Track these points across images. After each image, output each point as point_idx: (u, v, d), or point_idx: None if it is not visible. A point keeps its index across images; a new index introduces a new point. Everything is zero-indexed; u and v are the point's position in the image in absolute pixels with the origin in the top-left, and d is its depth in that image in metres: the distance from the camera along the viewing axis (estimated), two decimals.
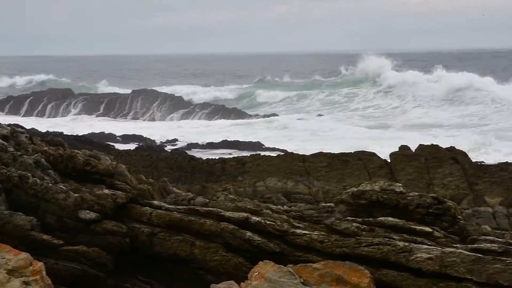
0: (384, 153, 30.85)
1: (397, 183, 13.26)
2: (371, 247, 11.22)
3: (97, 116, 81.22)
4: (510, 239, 12.23)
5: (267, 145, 50.10)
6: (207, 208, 12.91)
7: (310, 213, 13.32)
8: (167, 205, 13.34)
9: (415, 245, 11.02)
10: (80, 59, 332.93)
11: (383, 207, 12.26)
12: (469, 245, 11.12)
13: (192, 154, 39.66)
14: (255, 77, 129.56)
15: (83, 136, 49.92)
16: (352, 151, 30.36)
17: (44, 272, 8.09)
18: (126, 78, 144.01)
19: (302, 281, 8.11)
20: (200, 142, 52.73)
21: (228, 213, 12.59)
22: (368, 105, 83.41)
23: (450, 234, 11.75)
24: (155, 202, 13.57)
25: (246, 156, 33.63)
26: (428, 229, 11.51)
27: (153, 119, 78.28)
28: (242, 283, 8.13)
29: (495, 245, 10.96)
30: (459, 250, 10.78)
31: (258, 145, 49.54)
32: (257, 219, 12.30)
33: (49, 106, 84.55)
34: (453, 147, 29.70)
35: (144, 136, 56.14)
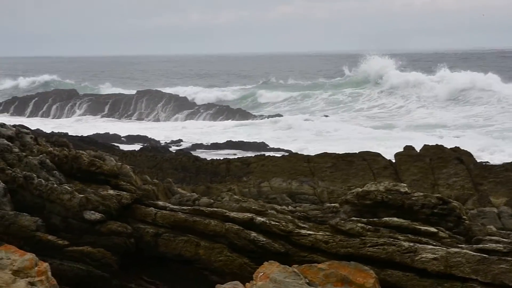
0: (389, 154, 30.80)
1: (402, 184, 13.24)
2: (376, 247, 11.22)
3: (102, 116, 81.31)
4: None
5: (271, 145, 50.09)
6: (212, 209, 12.91)
7: (315, 214, 13.31)
8: (172, 206, 13.35)
9: (420, 245, 11.01)
10: (82, 59, 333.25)
11: (388, 207, 12.25)
12: (474, 246, 11.10)
13: (196, 154, 39.66)
14: (259, 78, 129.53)
15: (88, 136, 49.96)
16: (357, 152, 30.34)
17: (49, 273, 8.11)
18: (131, 79, 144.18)
19: (307, 281, 8.11)
20: (204, 143, 52.72)
21: (233, 214, 12.59)
22: (373, 105, 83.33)
23: (455, 234, 11.74)
24: (160, 203, 13.58)
25: (251, 156, 33.63)
26: (433, 229, 11.49)
27: (157, 120, 78.33)
28: (247, 283, 8.13)
29: (500, 245, 10.95)
30: (464, 251, 10.77)
31: (262, 146, 49.54)
32: (262, 219, 12.31)
33: (54, 107, 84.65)
34: (458, 147, 29.67)
35: (149, 137, 56.16)
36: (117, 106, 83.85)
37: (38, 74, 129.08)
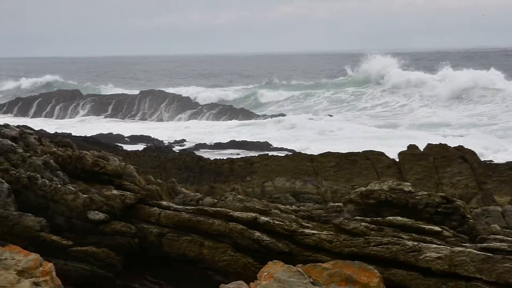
0: (392, 153, 30.77)
1: (406, 183, 13.24)
2: (380, 246, 11.21)
3: (105, 117, 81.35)
4: None
5: (275, 145, 50.07)
6: (215, 208, 12.92)
7: (318, 213, 13.31)
8: (175, 206, 13.36)
9: (424, 244, 11.01)
10: (83, 60, 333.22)
11: (391, 206, 12.24)
12: (478, 244, 11.09)
13: (200, 154, 39.65)
14: (261, 78, 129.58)
15: (91, 137, 49.99)
16: (360, 151, 30.30)
17: (54, 273, 8.12)
18: (133, 79, 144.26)
19: (312, 281, 8.11)
20: (208, 143, 52.73)
21: (236, 213, 12.59)
22: (376, 104, 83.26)
23: (459, 233, 11.72)
24: (164, 203, 13.59)
25: (254, 156, 33.58)
26: (437, 228, 11.48)
27: (161, 120, 78.36)
28: (251, 283, 8.14)
29: (505, 244, 10.94)
30: (469, 249, 10.76)
31: (266, 145, 49.52)
32: (266, 219, 12.31)
33: (58, 107, 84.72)
34: (462, 146, 29.62)
35: (152, 137, 56.16)
36: (120, 106, 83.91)
37: (40, 75, 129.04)
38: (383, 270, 10.55)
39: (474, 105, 75.66)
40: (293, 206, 14.53)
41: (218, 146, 50.59)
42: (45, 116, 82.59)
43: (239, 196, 14.04)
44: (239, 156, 37.83)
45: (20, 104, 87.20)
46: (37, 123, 62.83)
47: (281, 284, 7.95)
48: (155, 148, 43.55)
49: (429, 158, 27.98)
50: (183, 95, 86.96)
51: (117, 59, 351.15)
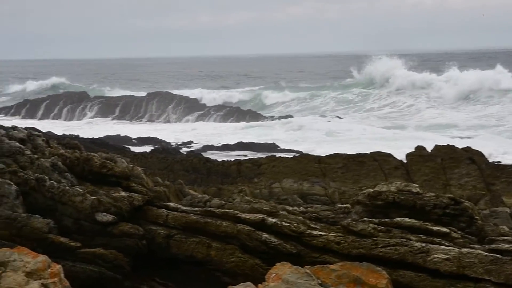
0: (400, 154, 30.72)
1: (414, 184, 13.21)
2: (388, 248, 11.19)
3: (113, 119, 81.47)
4: None
5: (282, 146, 50.08)
6: (223, 210, 12.92)
7: (326, 214, 13.30)
8: (183, 207, 13.37)
9: (432, 245, 10.98)
10: (89, 62, 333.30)
11: (399, 208, 12.21)
12: (487, 246, 11.06)
13: (207, 156, 39.67)
14: (269, 79, 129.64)
15: (99, 139, 50.03)
16: (368, 152, 30.27)
17: (62, 275, 8.13)
18: (140, 81, 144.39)
19: (320, 282, 8.10)
20: (215, 144, 52.74)
21: (244, 215, 12.59)
22: (383, 105, 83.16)
23: (468, 234, 11.70)
24: (171, 204, 13.60)
25: (262, 157, 33.60)
26: (445, 229, 11.46)
27: (168, 122, 78.43)
28: (259, 284, 8.12)
29: None
30: (477, 251, 10.73)
31: (273, 147, 49.52)
32: (273, 220, 12.30)
33: (65, 109, 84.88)
34: (469, 147, 29.57)
35: (160, 139, 56.23)
36: (127, 108, 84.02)
37: (46, 77, 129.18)
38: (391, 271, 10.53)
39: (482, 106, 75.49)
40: (301, 208, 14.52)
41: (226, 147, 50.62)
42: (53, 118, 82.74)
43: (246, 197, 14.04)
44: (247, 158, 37.82)
45: (28, 106, 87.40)
46: (45, 125, 62.92)
47: (289, 286, 7.94)
48: (163, 150, 43.60)
49: (437, 159, 27.93)
50: (190, 97, 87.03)
51: (123, 61, 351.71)
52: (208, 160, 33.61)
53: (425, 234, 11.35)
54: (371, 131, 60.51)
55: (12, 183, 12.97)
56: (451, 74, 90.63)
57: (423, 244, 11.01)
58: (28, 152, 14.19)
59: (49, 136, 26.35)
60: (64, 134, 51.15)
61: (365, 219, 12.00)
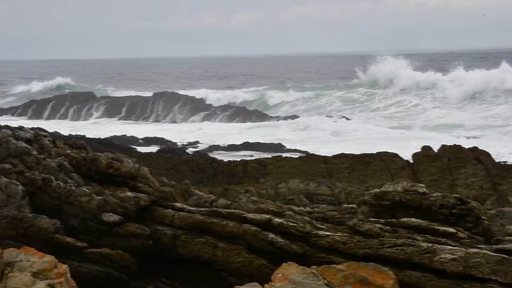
0: (406, 154, 30.66)
1: (420, 184, 13.19)
2: (394, 248, 11.18)
3: (119, 119, 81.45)
4: None
5: (288, 146, 50.01)
6: (229, 210, 12.92)
7: (332, 214, 13.29)
8: (189, 207, 13.37)
9: (438, 246, 10.97)
10: (94, 62, 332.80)
11: (406, 208, 12.20)
12: (493, 246, 11.05)
13: (213, 156, 39.64)
14: (274, 79, 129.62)
15: (105, 139, 50.02)
16: (374, 152, 30.21)
17: (68, 275, 8.14)
18: (147, 81, 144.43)
19: (326, 282, 8.09)
20: (221, 144, 52.69)
21: (250, 215, 12.59)
22: (389, 105, 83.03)
23: (474, 234, 11.67)
24: (178, 204, 13.60)
25: (268, 157, 33.55)
26: (451, 229, 11.44)
27: (174, 122, 78.41)
28: (265, 284, 8.12)
29: None
30: (484, 251, 10.71)
31: (279, 147, 49.44)
32: (280, 220, 12.30)
33: (71, 109, 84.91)
34: (476, 147, 29.50)
35: (166, 139, 56.21)
36: (134, 108, 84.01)
37: (51, 77, 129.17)
38: (398, 271, 10.52)
39: (488, 106, 75.30)
40: (307, 208, 14.52)
41: (232, 148, 50.57)
42: (59, 118, 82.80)
43: (252, 197, 14.03)
44: (253, 158, 37.78)
45: (34, 106, 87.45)
46: (51, 125, 62.96)
47: (296, 286, 7.93)
48: (169, 150, 43.57)
49: (443, 159, 27.87)
50: (196, 97, 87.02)
51: (128, 61, 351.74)
52: (214, 160, 33.58)
53: (431, 234, 11.34)
54: (377, 131, 60.40)
55: (18, 183, 13.01)
56: (457, 74, 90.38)
57: (430, 244, 10.99)
58: (35, 152, 14.22)
59: (55, 136, 26.38)
60: (70, 134, 51.16)
61: (371, 219, 11.99)
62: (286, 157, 32.97)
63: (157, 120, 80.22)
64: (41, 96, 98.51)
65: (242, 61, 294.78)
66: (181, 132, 63.99)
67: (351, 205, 13.81)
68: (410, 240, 11.21)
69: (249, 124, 69.48)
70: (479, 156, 28.00)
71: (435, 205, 11.98)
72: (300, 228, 12.06)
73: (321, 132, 60.28)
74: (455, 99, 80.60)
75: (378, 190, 12.72)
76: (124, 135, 57.76)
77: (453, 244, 11.07)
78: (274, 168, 29.82)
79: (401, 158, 29.22)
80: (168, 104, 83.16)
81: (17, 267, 8.07)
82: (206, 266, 12.51)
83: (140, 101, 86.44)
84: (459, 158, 27.78)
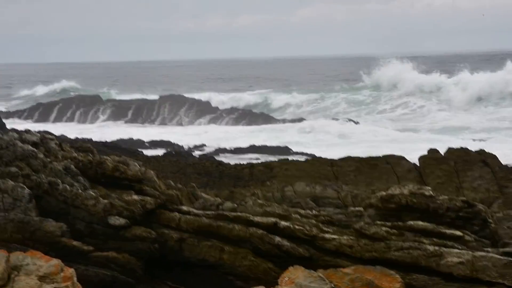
0: (413, 157, 30.59)
1: (427, 187, 13.17)
2: (401, 251, 11.16)
3: (125, 122, 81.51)
4: None
5: (294, 149, 49.95)
6: (235, 213, 12.91)
7: (339, 218, 13.28)
8: (195, 211, 13.37)
9: (445, 249, 10.94)
10: (99, 65, 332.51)
11: (412, 211, 12.17)
12: (500, 249, 11.02)
13: (220, 159, 39.65)
14: (279, 82, 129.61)
15: (111, 142, 50.10)
16: (381, 155, 30.15)
17: (75, 278, 8.14)
18: (153, 84, 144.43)
19: (333, 286, 8.08)
20: (227, 147, 52.67)
21: (256, 218, 12.58)
22: (395, 107, 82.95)
23: (481, 238, 11.65)
24: (184, 208, 13.60)
25: (274, 160, 33.52)
26: (458, 233, 11.41)
27: (180, 125, 78.44)
28: None
29: None
30: (491, 254, 10.68)
31: (285, 150, 49.39)
32: (286, 224, 12.29)
33: (78, 112, 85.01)
34: (483, 150, 29.40)
35: (172, 142, 56.21)
36: (140, 112, 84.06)
37: (57, 80, 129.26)
38: (404, 275, 10.49)
39: (494, 108, 75.17)
40: (313, 211, 14.49)
41: (238, 150, 50.53)
42: (66, 121, 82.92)
43: (259, 201, 14.02)
44: (259, 161, 37.79)
45: (41, 109, 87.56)
46: (57, 129, 63.05)
47: None
48: (175, 153, 43.57)
49: (450, 162, 27.79)
50: (203, 100, 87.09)
51: (134, 63, 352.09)
52: (220, 163, 33.57)
53: (438, 238, 11.31)
54: (383, 133, 60.36)
55: (25, 186, 13.02)
56: (462, 77, 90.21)
57: (436, 248, 10.96)
58: (41, 156, 14.22)
59: (62, 139, 26.41)
60: (77, 137, 51.17)
61: (377, 222, 11.97)
62: (293, 160, 32.95)
63: (163, 123, 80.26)
64: (47, 99, 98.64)
65: (247, 63, 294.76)
66: (187, 135, 63.98)
67: (357, 208, 13.81)
68: (417, 243, 11.19)
69: (255, 127, 69.47)
70: (486, 159, 27.90)
71: (441, 208, 11.96)
72: (306, 232, 12.05)
73: (328, 135, 60.27)
74: (460, 102, 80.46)
75: (384, 193, 12.70)
76: (131, 138, 57.78)
77: (460, 247, 11.04)
78: (281, 171, 29.77)
79: (407, 161, 29.13)
80: (174, 107, 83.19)
81: (24, 270, 8.07)
82: (212, 270, 12.50)
83: (146, 104, 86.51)
84: (466, 161, 27.68)
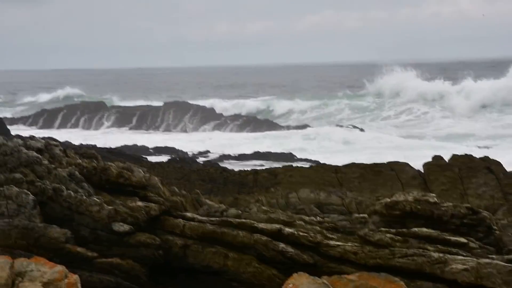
0: (417, 164, 30.57)
1: (431, 194, 13.16)
2: (406, 258, 11.14)
3: (130, 128, 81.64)
4: None
5: (299, 156, 49.97)
6: (240, 220, 12.90)
7: (343, 224, 13.27)
8: (200, 217, 13.36)
9: (450, 256, 10.92)
10: (102, 72, 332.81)
11: (417, 217, 12.16)
12: (505, 256, 10.99)
13: (224, 165, 39.68)
14: (285, 88, 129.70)
15: (116, 148, 50.16)
16: (385, 161, 30.13)
17: (79, 285, 8.14)
18: (157, 91, 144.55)
19: None
20: (232, 154, 52.71)
21: (261, 225, 12.57)
22: (399, 113, 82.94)
23: (486, 245, 11.62)
24: (188, 214, 13.59)
25: (278, 167, 33.52)
26: (463, 239, 11.39)
27: (185, 131, 78.52)
28: None
29: None
30: (495, 261, 10.66)
31: (290, 156, 49.42)
32: (290, 230, 12.28)
33: (82, 119, 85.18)
34: (487, 157, 29.36)
35: (177, 148, 56.27)
36: (144, 118, 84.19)
37: (60, 86, 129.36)
38: (409, 282, 10.47)
39: (498, 115, 75.13)
40: (318, 218, 14.48)
41: (242, 157, 50.58)
42: (70, 128, 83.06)
43: (263, 207, 14.03)
44: (263, 167, 37.80)
45: (45, 116, 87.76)
46: (62, 135, 63.15)
47: None
48: (180, 160, 43.60)
49: (454, 169, 27.76)
50: (208, 106, 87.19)
51: (139, 70, 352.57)
52: (224, 169, 33.57)
53: (442, 244, 11.29)
54: (387, 140, 60.37)
55: (29, 193, 13.03)
56: (466, 84, 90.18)
57: (441, 255, 10.94)
58: (46, 162, 14.24)
59: (66, 145, 26.45)
60: (81, 143, 51.27)
61: (382, 229, 11.95)
62: (297, 166, 32.91)
63: (167, 130, 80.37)
64: (51, 106, 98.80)
65: (254, 70, 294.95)
66: (192, 142, 64.04)
67: (362, 215, 13.79)
68: (421, 250, 11.17)
69: (259, 133, 69.51)
70: (490, 166, 27.87)
71: (446, 215, 11.94)
72: (310, 238, 12.04)
73: (332, 142, 60.30)
74: (464, 109, 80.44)
75: (389, 200, 12.69)
76: (135, 145, 57.87)
77: (464, 254, 11.02)
78: (285, 178, 29.76)
79: (412, 167, 29.11)
80: (179, 113, 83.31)
81: (28, 277, 8.08)
82: (217, 276, 12.49)
83: (151, 110, 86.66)
84: (470, 168, 27.65)
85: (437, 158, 29.00)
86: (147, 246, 12.70)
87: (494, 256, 11.03)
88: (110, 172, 14.27)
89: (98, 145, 50.76)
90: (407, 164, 29.42)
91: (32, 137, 15.99)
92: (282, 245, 12.08)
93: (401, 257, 11.18)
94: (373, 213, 12.79)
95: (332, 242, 11.92)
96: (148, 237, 12.79)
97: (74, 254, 12.48)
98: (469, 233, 11.79)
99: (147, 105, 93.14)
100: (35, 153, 14.32)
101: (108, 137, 71.69)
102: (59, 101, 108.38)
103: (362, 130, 71.46)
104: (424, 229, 11.62)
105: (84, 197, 13.19)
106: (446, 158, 28.93)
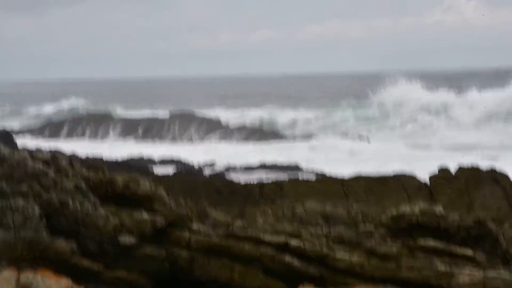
0: (423, 175, 30.54)
1: (437, 205, 13.13)
2: (412, 270, 11.12)
3: (136, 139, 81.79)
4: None
5: (305, 167, 49.99)
6: (245, 232, 12.90)
7: (349, 236, 13.25)
8: (206, 229, 13.36)
9: (456, 268, 10.90)
10: (106, 82, 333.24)
11: (423, 229, 12.14)
12: None
13: (230, 177, 39.70)
14: (290, 99, 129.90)
15: (122, 159, 50.25)
16: (391, 173, 30.11)
17: None
18: (163, 101, 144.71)
19: None
20: (238, 165, 52.74)
21: (267, 237, 12.57)
22: (404, 123, 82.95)
23: (492, 257, 11.60)
24: (194, 227, 13.59)
25: (284, 180, 33.54)
26: (469, 252, 11.37)
27: (191, 142, 78.62)
28: None
29: None
30: (502, 274, 10.63)
31: (295, 168, 49.46)
32: (297, 242, 12.28)
33: (88, 129, 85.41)
34: (494, 168, 29.32)
35: (182, 160, 56.33)
36: (150, 129, 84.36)
37: (65, 97, 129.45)
38: None
39: (504, 125, 75.10)
40: (324, 230, 14.46)
41: (248, 168, 50.61)
42: (76, 139, 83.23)
43: (269, 219, 14.02)
44: (269, 179, 37.79)
45: (51, 127, 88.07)
46: (68, 146, 63.29)
47: None
48: (186, 171, 43.68)
49: (460, 181, 27.73)
50: (213, 117, 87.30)
51: (143, 80, 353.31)
52: (230, 181, 33.60)
53: (449, 257, 11.27)
54: (393, 150, 60.41)
55: (35, 205, 13.04)
56: (471, 94, 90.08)
57: (447, 267, 10.92)
58: (52, 174, 14.25)
59: (72, 157, 26.50)
60: (87, 155, 51.36)
61: (388, 241, 11.94)
62: (303, 178, 32.94)
63: (173, 141, 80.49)
64: (56, 117, 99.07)
65: (257, 80, 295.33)
66: (198, 153, 64.12)
67: (368, 227, 13.76)
68: (428, 262, 11.15)
69: (264, 144, 69.56)
70: (497, 177, 27.84)
71: (452, 227, 11.92)
72: (317, 250, 12.03)
73: (338, 152, 60.34)
74: (470, 119, 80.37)
75: (395, 212, 12.67)
76: (141, 156, 57.94)
77: (471, 266, 10.99)
78: (291, 190, 29.77)
79: (418, 179, 29.09)
80: (185, 124, 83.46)
81: None
82: None
83: (157, 121, 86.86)
84: (477, 179, 27.61)
85: (443, 170, 28.97)
86: (153, 259, 12.70)
87: (501, 269, 11.00)
88: (116, 184, 14.28)
89: (104, 156, 50.84)
90: (413, 175, 29.42)
91: (38, 149, 16.03)
92: (288, 257, 12.08)
93: (407, 269, 11.16)
94: (379, 225, 12.78)
95: (338, 255, 11.91)
96: (154, 250, 12.78)
97: (80, 267, 12.47)
98: (476, 245, 11.77)
99: (153, 116, 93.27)
100: (41, 165, 14.33)
101: (114, 148, 71.82)
102: (64, 112, 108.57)
103: (368, 140, 71.41)
104: (431, 242, 11.61)
105: (90, 210, 13.19)
106: (452, 168, 28.90)
